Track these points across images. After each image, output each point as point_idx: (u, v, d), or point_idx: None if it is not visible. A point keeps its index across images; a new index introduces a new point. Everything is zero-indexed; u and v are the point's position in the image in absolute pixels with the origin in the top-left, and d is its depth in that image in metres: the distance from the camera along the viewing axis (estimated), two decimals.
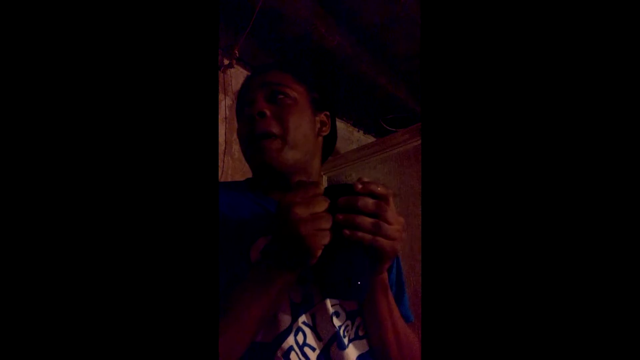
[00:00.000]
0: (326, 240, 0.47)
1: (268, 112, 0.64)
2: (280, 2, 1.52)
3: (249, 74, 0.77)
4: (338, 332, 0.58)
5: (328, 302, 0.59)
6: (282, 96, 0.66)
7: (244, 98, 0.70)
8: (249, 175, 0.74)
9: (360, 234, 0.48)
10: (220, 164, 1.60)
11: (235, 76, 1.74)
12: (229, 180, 1.63)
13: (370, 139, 2.40)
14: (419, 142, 1.62)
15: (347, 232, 0.47)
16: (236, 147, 1.69)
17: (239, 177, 1.64)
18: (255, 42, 1.72)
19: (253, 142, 0.64)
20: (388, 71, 2.03)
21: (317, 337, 0.57)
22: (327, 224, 0.47)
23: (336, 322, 0.59)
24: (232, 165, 1.66)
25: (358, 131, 2.47)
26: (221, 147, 1.62)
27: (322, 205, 0.48)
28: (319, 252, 0.47)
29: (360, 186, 0.49)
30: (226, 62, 1.68)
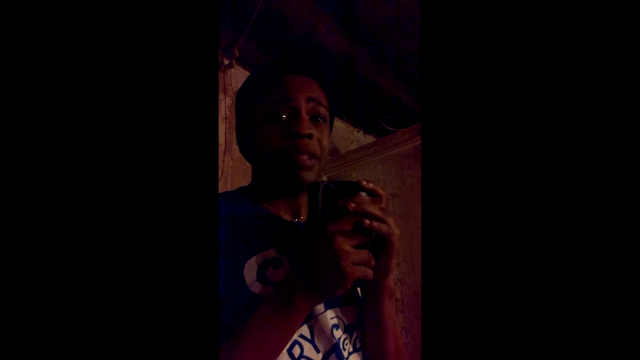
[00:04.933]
0: (360, 274, 0.48)
1: (314, 135, 0.64)
2: (280, 2, 1.52)
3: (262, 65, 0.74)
4: (338, 343, 0.58)
5: (328, 314, 0.59)
6: (321, 120, 0.66)
7: (278, 94, 0.65)
8: (249, 175, 0.74)
9: (376, 223, 0.50)
10: (220, 164, 1.60)
11: (235, 76, 1.74)
12: (229, 180, 1.63)
13: (370, 139, 2.39)
14: (419, 142, 1.62)
15: (367, 221, 0.49)
16: (236, 147, 1.69)
17: (239, 177, 1.64)
18: (255, 42, 1.72)
19: (290, 156, 0.62)
20: (388, 71, 2.03)
21: (315, 349, 0.56)
22: (366, 259, 0.48)
23: (336, 333, 0.58)
24: (232, 165, 1.66)
25: (358, 131, 2.47)
26: (221, 147, 1.61)
27: (364, 238, 0.49)
28: (351, 284, 0.48)
29: (365, 183, 0.52)
30: (226, 62, 1.68)
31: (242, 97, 0.73)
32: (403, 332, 1.48)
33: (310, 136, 0.63)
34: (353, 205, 0.49)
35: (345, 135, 2.35)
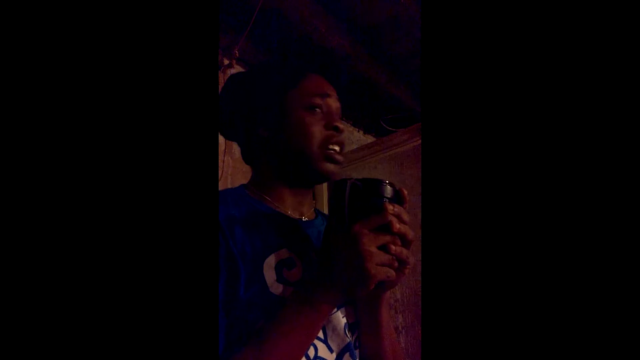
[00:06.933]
0: (383, 275, 0.47)
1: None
2: (280, 2, 1.52)
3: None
4: (350, 342, 0.58)
5: (340, 314, 0.59)
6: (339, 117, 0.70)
7: (314, 88, 0.67)
8: (249, 175, 0.73)
9: (405, 251, 0.49)
10: (220, 164, 1.60)
11: None
12: (229, 180, 1.63)
13: (370, 139, 2.39)
14: (419, 142, 1.62)
15: (393, 247, 0.48)
16: (236, 147, 1.69)
17: (239, 177, 1.64)
18: (255, 42, 1.72)
19: (329, 146, 0.65)
20: (388, 71, 2.03)
21: (329, 349, 0.56)
22: (390, 260, 0.48)
23: (348, 333, 0.59)
24: (232, 165, 1.66)
25: (358, 131, 2.47)
26: (221, 147, 1.61)
27: (388, 238, 0.48)
28: (373, 285, 0.47)
29: (389, 187, 0.51)
30: (226, 62, 1.68)
31: (257, 85, 0.71)
32: (403, 332, 1.48)
33: (342, 131, 0.68)
34: (392, 207, 0.48)
35: (345, 135, 2.35)
